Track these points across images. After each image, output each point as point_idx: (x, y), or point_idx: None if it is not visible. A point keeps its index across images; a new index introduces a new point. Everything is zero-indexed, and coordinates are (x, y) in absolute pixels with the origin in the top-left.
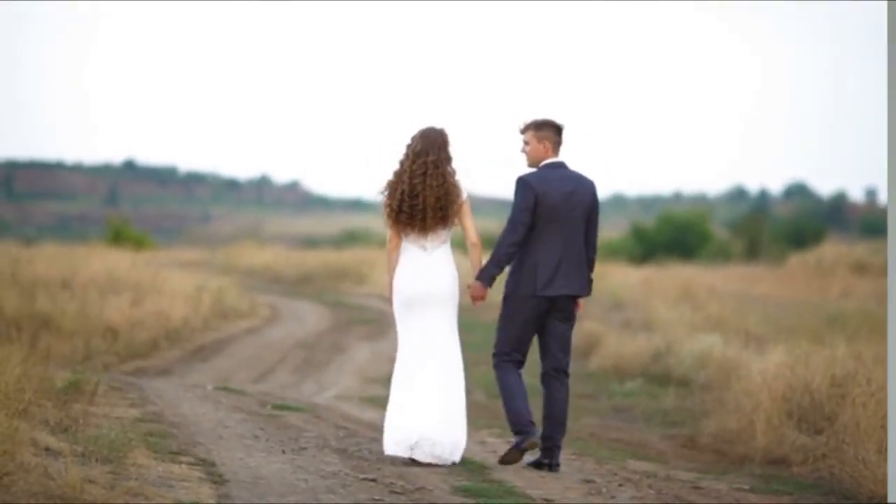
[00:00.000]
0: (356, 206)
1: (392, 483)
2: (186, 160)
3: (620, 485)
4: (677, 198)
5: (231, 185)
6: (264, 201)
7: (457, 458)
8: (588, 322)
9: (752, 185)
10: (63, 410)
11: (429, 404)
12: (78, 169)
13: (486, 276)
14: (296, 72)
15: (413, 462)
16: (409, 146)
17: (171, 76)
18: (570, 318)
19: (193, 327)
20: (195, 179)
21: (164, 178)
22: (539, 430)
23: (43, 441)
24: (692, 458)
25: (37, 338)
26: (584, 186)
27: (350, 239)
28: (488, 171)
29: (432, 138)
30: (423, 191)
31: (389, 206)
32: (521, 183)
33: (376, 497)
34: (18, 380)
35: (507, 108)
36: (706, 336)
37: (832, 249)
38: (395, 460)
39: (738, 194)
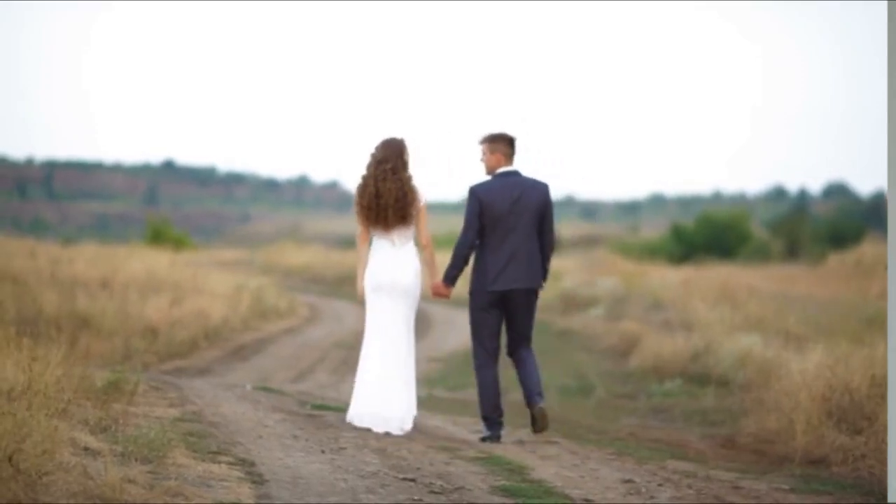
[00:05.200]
0: None
1: (431, 483)
2: (226, 160)
3: (660, 484)
4: (717, 198)
5: (270, 185)
6: (303, 201)
7: (407, 426)
8: (627, 322)
9: (792, 185)
10: (102, 410)
11: (384, 382)
12: (117, 169)
13: (448, 277)
14: (335, 72)
15: (368, 431)
16: (372, 155)
17: (210, 77)
18: (529, 308)
19: (233, 327)
20: (234, 179)
21: (203, 178)
22: (502, 427)
23: (82, 441)
24: (732, 458)
25: (76, 337)
26: (533, 190)
27: None
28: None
29: (392, 147)
30: (385, 192)
31: (360, 204)
32: (470, 192)
33: (415, 497)
34: (58, 380)
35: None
36: (745, 336)
37: (872, 249)
38: (434, 460)
39: (778, 194)
